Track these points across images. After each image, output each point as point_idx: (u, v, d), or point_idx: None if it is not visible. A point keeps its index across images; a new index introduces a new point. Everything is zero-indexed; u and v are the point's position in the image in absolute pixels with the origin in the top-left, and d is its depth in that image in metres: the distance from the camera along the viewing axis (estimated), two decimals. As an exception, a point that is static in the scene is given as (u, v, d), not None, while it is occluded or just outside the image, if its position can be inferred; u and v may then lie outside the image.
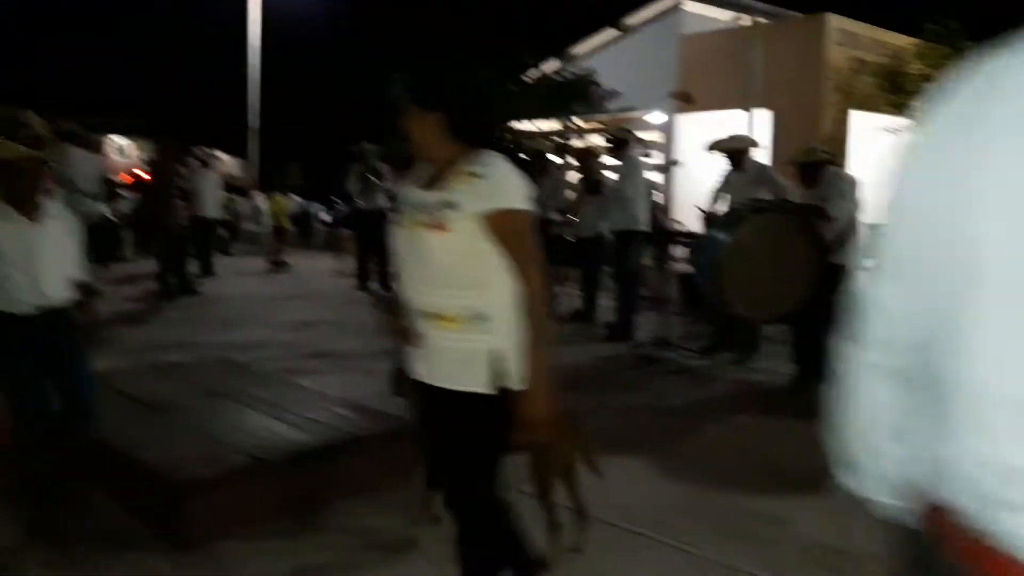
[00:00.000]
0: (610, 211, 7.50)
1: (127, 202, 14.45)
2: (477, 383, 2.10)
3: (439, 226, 2.08)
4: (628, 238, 7.37)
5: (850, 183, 5.63)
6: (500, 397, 2.11)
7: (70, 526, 3.13)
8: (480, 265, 2.11)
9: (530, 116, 16.40)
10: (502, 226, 2.08)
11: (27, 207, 3.03)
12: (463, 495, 2.27)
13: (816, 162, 5.73)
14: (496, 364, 2.09)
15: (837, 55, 13.71)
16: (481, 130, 2.22)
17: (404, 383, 3.17)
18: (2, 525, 3.16)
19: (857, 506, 3.61)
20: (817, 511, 3.56)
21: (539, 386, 2.10)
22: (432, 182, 2.19)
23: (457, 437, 2.22)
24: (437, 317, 2.14)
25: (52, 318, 3.09)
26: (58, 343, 3.14)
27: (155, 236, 9.87)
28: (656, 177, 11.03)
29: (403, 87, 2.20)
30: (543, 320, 2.10)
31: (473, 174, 2.10)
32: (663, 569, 2.99)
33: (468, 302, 2.10)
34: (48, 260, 3.06)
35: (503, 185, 2.09)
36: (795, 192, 5.99)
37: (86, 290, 3.27)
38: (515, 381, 2.11)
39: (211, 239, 11.94)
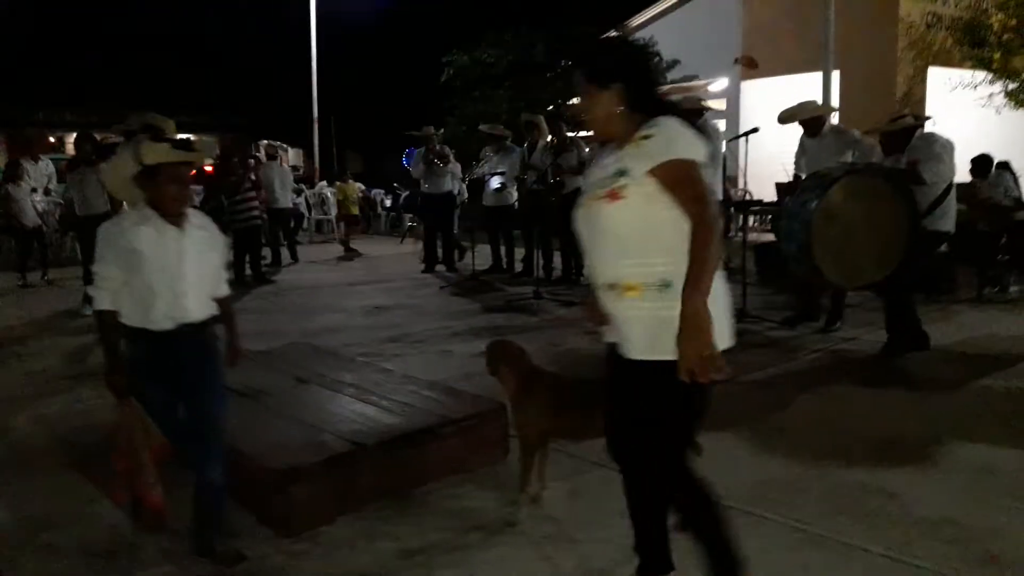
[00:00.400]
0: None
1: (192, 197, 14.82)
2: (666, 351, 2.04)
3: (614, 195, 2.12)
4: None
5: (945, 146, 5.37)
6: None
7: (176, 516, 3.20)
8: (659, 230, 2.10)
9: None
10: (668, 177, 2.07)
11: (173, 214, 2.76)
12: (654, 464, 2.29)
13: (903, 129, 5.49)
14: None
15: (911, 9, 13.13)
16: (655, 96, 2.25)
17: (496, 359, 3.20)
18: (105, 515, 3.25)
19: (969, 476, 3.46)
20: (928, 483, 3.43)
21: (693, 323, 1.97)
22: (610, 156, 2.23)
23: (647, 406, 2.21)
24: (621, 287, 2.15)
25: (191, 336, 2.78)
26: (195, 364, 2.81)
27: (223, 230, 10.05)
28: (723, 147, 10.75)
29: (578, 70, 2.29)
30: (708, 261, 2.00)
31: (644, 136, 2.11)
32: (775, 546, 2.90)
33: (650, 269, 2.11)
34: (191, 272, 2.77)
35: (668, 140, 2.09)
36: (880, 155, 5.76)
37: (226, 308, 3.00)
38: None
39: (288, 228, 12.15)
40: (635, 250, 2.11)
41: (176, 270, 2.73)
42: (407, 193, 14.60)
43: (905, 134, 5.49)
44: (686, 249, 2.03)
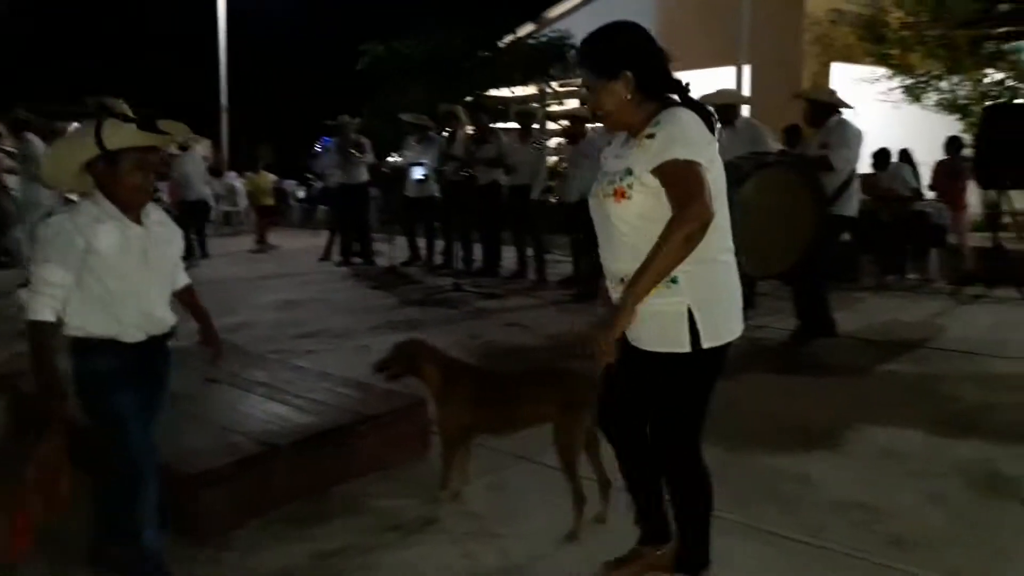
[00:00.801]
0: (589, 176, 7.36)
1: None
2: (675, 344, 2.17)
3: (621, 193, 2.16)
4: None
5: (856, 135, 5.56)
6: (698, 354, 2.17)
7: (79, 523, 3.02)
8: (663, 227, 2.09)
9: (507, 82, 16.20)
10: (665, 176, 2.08)
11: (136, 208, 2.41)
12: (673, 451, 2.37)
13: (827, 103, 5.65)
14: (691, 323, 2.15)
15: (816, 5, 13.58)
16: (666, 78, 2.23)
17: (398, 363, 3.11)
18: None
19: (874, 459, 3.58)
20: (837, 467, 3.54)
21: (630, 302, 2.08)
22: (623, 148, 2.25)
23: (662, 396, 2.30)
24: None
25: (160, 345, 2.54)
26: (164, 376, 2.59)
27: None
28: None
29: (582, 65, 2.27)
30: (657, 257, 2.05)
31: (648, 135, 2.13)
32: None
33: None
34: (156, 276, 2.48)
35: (668, 140, 2.10)
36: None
37: (193, 299, 2.75)
38: (712, 337, 2.17)
39: (203, 222, 11.66)
40: (643, 247, 2.11)
41: (142, 276, 2.42)
42: (323, 185, 14.24)
43: (827, 110, 5.65)
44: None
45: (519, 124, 9.20)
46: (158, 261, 2.49)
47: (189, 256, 10.95)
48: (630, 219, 2.16)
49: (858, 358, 5.40)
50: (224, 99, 21.15)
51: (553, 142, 13.50)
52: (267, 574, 2.72)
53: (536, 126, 10.06)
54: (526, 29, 17.33)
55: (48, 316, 2.28)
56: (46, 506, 2.26)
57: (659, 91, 2.20)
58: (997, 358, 5.36)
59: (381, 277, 9.31)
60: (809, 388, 4.75)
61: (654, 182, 2.10)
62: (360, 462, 3.38)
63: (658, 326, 2.19)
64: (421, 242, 10.05)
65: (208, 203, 11.89)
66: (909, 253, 8.69)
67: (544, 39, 16.69)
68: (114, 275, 2.35)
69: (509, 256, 9.11)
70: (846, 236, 6.72)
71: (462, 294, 7.90)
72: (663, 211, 2.09)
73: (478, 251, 9.28)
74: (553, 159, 12.27)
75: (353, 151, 9.93)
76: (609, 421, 2.54)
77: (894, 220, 8.56)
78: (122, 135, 2.32)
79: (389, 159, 9.90)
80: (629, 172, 2.14)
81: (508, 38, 17.20)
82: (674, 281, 2.13)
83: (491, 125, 9.68)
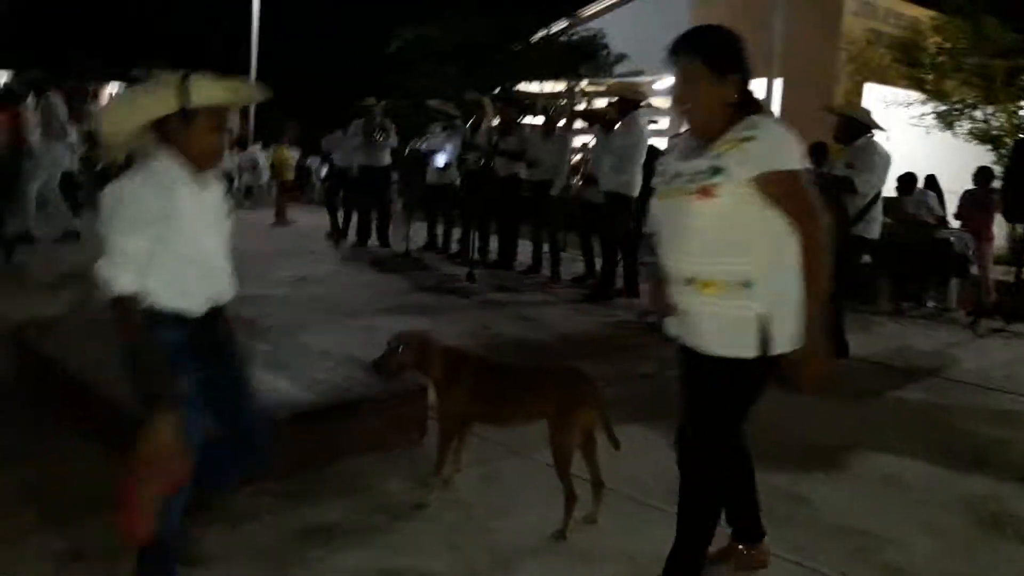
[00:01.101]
0: (604, 173, 7.31)
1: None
2: (742, 348, 2.14)
3: (706, 192, 2.10)
4: (619, 202, 7.18)
5: (883, 158, 5.48)
6: (760, 361, 2.14)
7: (72, 487, 3.02)
8: (746, 230, 2.11)
9: (536, 77, 16.13)
10: (776, 188, 2.08)
11: (205, 170, 2.25)
12: (706, 451, 2.32)
13: (861, 123, 5.58)
14: (761, 329, 2.11)
15: (854, 25, 13.43)
16: (751, 93, 2.22)
17: (387, 366, 3.03)
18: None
19: (876, 486, 3.54)
20: (838, 490, 3.48)
21: (816, 337, 2.09)
22: (697, 150, 2.20)
23: (713, 398, 2.28)
24: (700, 283, 2.16)
25: (218, 319, 2.34)
26: (231, 345, 2.41)
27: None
28: (664, 144, 10.81)
29: (693, 53, 2.18)
30: (820, 274, 2.09)
31: (745, 139, 2.09)
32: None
33: (733, 267, 2.12)
34: (221, 242, 2.33)
35: (774, 147, 2.09)
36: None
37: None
38: (779, 345, 2.13)
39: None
40: (720, 248, 2.11)
41: (212, 243, 2.28)
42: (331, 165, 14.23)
43: (858, 129, 5.58)
44: (771, 247, 2.10)
45: (545, 119, 9.15)
46: (224, 228, 2.36)
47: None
48: (711, 218, 2.12)
49: (869, 382, 5.32)
50: (253, 70, 21.20)
51: (578, 140, 13.44)
52: (255, 545, 2.71)
53: (562, 123, 10.00)
54: (559, 25, 17.24)
55: (132, 288, 2.09)
56: (164, 485, 2.10)
57: (746, 104, 2.18)
58: (1011, 394, 5.26)
59: (396, 261, 9.30)
60: (816, 408, 4.66)
61: (748, 188, 2.07)
62: (357, 442, 3.37)
63: (726, 329, 2.15)
64: (439, 229, 10.03)
65: (231, 175, 11.92)
66: (930, 280, 8.58)
67: (576, 37, 16.61)
68: (187, 242, 2.18)
69: (525, 250, 9.07)
70: (866, 258, 6.63)
71: (475, 284, 7.86)
72: (746, 218, 2.09)
73: (494, 243, 9.25)
74: (577, 156, 12.20)
75: (377, 134, 9.91)
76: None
77: (916, 246, 8.45)
78: (213, 91, 2.17)
79: (421, 146, 9.84)
80: (717, 171, 2.09)
81: (540, 33, 17.13)
82: (748, 285, 2.11)
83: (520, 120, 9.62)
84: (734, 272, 2.12)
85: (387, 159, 10.15)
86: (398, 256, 9.54)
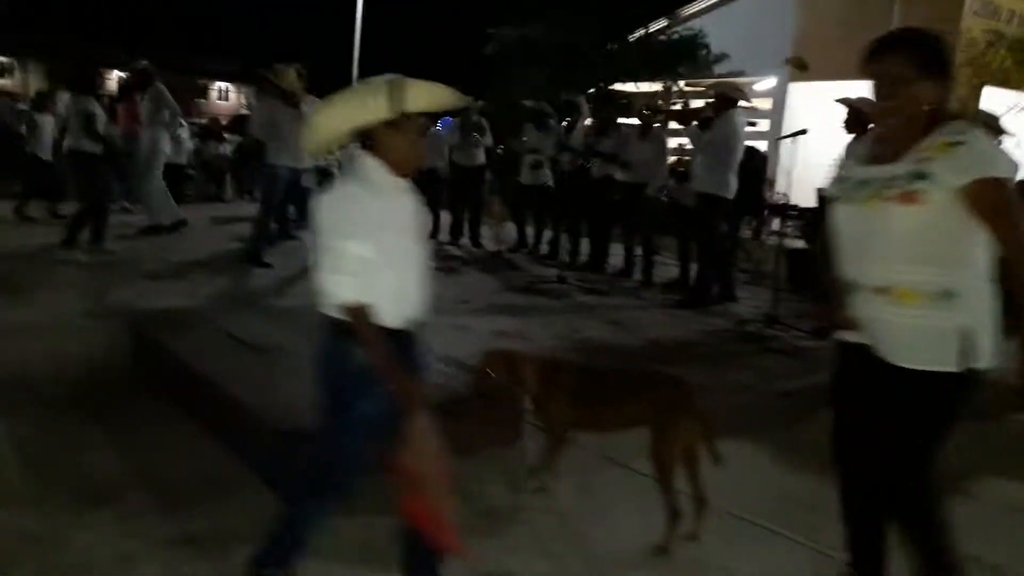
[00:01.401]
0: (697, 174, 7.13)
1: (228, 145, 14.79)
2: (943, 362, 2.04)
3: (909, 198, 2.02)
4: (712, 204, 6.98)
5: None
6: (964, 376, 2.05)
7: (185, 474, 3.14)
8: (951, 239, 2.03)
9: (633, 76, 15.93)
10: (984, 197, 1.99)
11: (406, 176, 2.19)
12: (907, 483, 2.21)
13: (993, 129, 5.30)
14: (965, 342, 2.02)
15: (972, 25, 12.75)
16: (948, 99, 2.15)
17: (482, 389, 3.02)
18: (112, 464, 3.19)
19: (999, 512, 3.29)
20: (960, 516, 3.27)
21: None
22: (887, 156, 2.12)
23: (909, 417, 2.15)
24: (895, 293, 2.08)
25: (412, 338, 2.27)
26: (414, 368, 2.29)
27: (254, 179, 9.97)
28: (764, 147, 10.51)
29: (906, 54, 2.08)
30: None
31: (952, 143, 2.01)
32: (781, 562, 2.81)
33: (934, 277, 2.04)
34: (420, 248, 2.25)
35: (986, 154, 2.01)
36: None
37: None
38: (983, 360, 2.04)
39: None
40: (919, 256, 2.03)
41: (416, 253, 2.22)
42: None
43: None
44: (976, 257, 2.03)
45: (641, 121, 9.02)
46: (423, 237, 2.26)
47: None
48: (918, 224, 2.02)
49: (989, 402, 5.02)
50: (355, 70, 21.70)
51: (674, 142, 13.22)
52: (355, 540, 2.76)
53: (658, 124, 9.84)
54: (658, 24, 16.98)
55: (361, 297, 2.04)
56: (441, 487, 2.13)
57: (941, 110, 2.09)
58: None
59: (487, 260, 9.34)
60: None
61: (954, 192, 1.98)
62: (455, 442, 3.36)
63: (928, 341, 2.05)
64: (531, 230, 10.03)
65: (329, 171, 12.20)
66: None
67: (675, 36, 16.33)
68: (398, 252, 2.11)
69: (617, 254, 8.97)
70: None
71: (565, 286, 7.82)
72: (949, 226, 2.01)
73: (586, 245, 9.18)
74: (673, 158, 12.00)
75: (474, 133, 9.99)
76: (842, 450, 2.38)
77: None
78: (431, 97, 2.12)
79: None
80: (922, 176, 2.00)
81: (638, 32, 16.91)
82: (950, 296, 2.02)
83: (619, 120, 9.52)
84: (932, 282, 2.03)
85: (481, 158, 10.20)
86: (489, 255, 9.59)
